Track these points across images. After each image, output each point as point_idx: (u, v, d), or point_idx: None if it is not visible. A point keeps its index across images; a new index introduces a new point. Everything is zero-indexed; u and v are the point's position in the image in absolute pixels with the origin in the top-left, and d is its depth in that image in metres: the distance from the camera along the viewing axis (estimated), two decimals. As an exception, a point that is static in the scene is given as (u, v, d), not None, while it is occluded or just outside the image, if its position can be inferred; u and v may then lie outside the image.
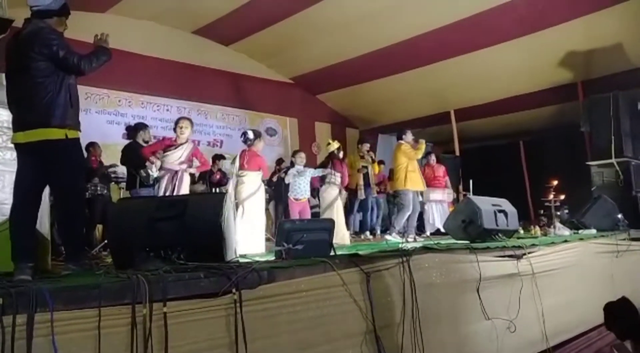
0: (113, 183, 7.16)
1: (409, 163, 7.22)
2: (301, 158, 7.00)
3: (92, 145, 6.94)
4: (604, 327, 5.36)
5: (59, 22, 3.26)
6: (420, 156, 7.39)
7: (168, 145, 5.62)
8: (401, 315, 3.47)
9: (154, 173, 5.62)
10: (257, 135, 6.21)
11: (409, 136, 7.42)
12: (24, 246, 2.98)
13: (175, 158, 5.54)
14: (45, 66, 3.06)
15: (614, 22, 8.05)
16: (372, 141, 10.83)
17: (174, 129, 5.68)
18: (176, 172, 5.50)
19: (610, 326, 3.57)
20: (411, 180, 7.18)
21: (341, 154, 7.57)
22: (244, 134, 6.20)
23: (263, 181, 6.23)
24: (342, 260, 3.33)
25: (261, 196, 6.01)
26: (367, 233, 8.40)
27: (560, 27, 8.42)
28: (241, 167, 5.94)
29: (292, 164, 7.10)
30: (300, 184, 6.79)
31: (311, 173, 7.01)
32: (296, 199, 6.78)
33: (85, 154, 6.70)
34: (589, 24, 8.23)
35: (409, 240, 6.78)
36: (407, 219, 7.23)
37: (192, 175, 6.01)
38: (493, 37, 8.96)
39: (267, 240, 6.42)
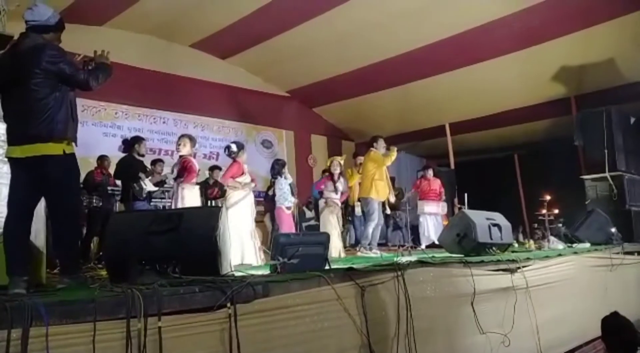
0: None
1: (377, 171, 6.92)
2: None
3: (101, 158, 6.99)
4: (598, 341, 5.39)
5: (55, 37, 3.28)
6: (389, 163, 7.00)
7: None
8: (396, 329, 3.47)
9: (147, 186, 5.65)
10: (240, 147, 6.22)
11: (380, 144, 7.11)
12: (18, 259, 2.97)
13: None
14: (48, 82, 3.06)
15: (606, 37, 8.15)
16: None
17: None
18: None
19: (604, 339, 3.63)
20: (376, 189, 6.88)
21: (337, 170, 7.41)
22: (227, 147, 6.24)
23: (254, 191, 6.29)
24: (337, 274, 3.34)
25: (247, 205, 6.01)
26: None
27: (554, 42, 8.52)
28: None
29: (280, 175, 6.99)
30: (289, 191, 6.76)
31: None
32: (288, 208, 6.71)
33: (94, 166, 6.79)
34: (582, 40, 8.32)
35: (374, 253, 6.63)
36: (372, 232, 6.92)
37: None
38: (488, 52, 9.06)
39: (263, 252, 6.45)
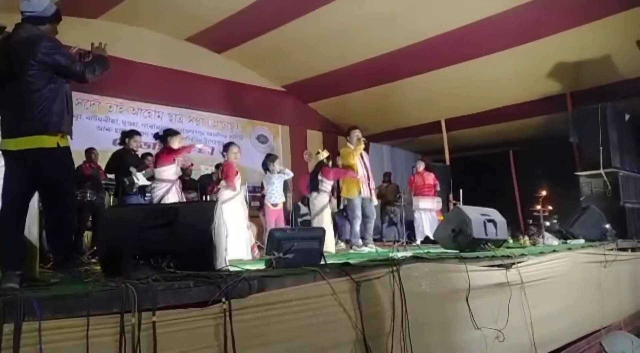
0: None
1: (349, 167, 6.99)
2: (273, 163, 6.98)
3: (89, 151, 6.92)
4: (592, 337, 5.42)
5: (51, 28, 3.24)
6: (353, 160, 6.94)
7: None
8: (391, 325, 3.47)
9: (140, 181, 5.64)
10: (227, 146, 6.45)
11: (353, 136, 7.06)
12: (11, 253, 2.95)
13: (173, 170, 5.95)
14: (43, 74, 3.03)
15: (602, 34, 8.17)
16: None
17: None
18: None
19: None
20: (347, 187, 6.99)
21: (331, 163, 7.51)
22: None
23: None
24: (333, 269, 3.33)
25: (237, 202, 6.12)
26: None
27: (549, 38, 8.53)
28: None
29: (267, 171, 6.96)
30: (277, 188, 6.76)
31: (287, 173, 6.98)
32: (273, 205, 6.72)
33: (83, 159, 6.74)
34: (578, 36, 8.34)
35: (369, 248, 6.66)
36: (364, 226, 6.98)
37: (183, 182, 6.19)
38: (483, 48, 9.06)
39: (259, 248, 6.47)
